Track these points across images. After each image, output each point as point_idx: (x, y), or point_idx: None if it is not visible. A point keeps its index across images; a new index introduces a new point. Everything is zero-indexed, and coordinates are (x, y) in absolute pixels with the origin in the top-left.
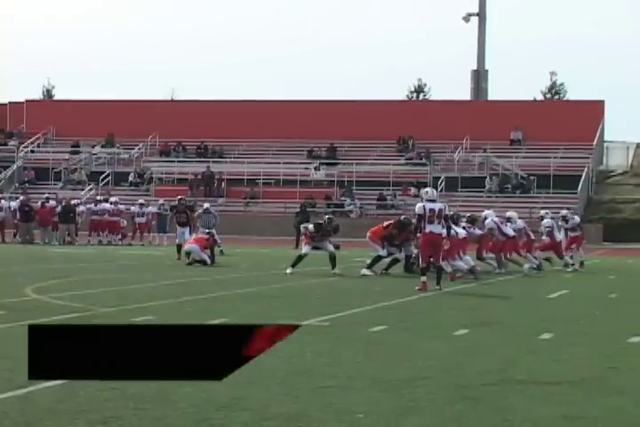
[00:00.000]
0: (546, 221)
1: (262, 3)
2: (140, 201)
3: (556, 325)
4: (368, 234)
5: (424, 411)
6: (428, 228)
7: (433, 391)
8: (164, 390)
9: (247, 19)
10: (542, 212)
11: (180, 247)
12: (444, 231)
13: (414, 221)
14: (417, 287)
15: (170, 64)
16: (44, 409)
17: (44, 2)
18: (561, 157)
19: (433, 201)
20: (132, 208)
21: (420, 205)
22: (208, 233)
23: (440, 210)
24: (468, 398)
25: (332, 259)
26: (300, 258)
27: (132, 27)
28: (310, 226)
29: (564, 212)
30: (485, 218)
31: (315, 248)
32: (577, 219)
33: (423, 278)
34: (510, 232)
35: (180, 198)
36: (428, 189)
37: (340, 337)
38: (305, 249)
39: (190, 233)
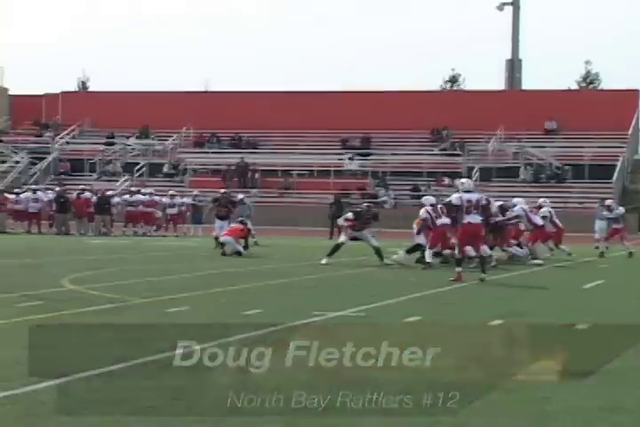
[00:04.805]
0: (543, 210)
1: None
2: (171, 192)
3: (591, 315)
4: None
5: (459, 402)
6: (467, 218)
7: (469, 382)
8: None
9: (280, 10)
10: (541, 200)
11: (218, 239)
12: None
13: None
14: (451, 278)
15: (204, 55)
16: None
17: None
18: (596, 147)
19: (469, 191)
20: (163, 199)
21: (456, 195)
22: (241, 222)
23: (477, 200)
24: (504, 389)
25: (378, 252)
26: (337, 247)
27: (166, 18)
28: (349, 214)
29: (609, 201)
30: (514, 206)
31: (354, 239)
32: (622, 209)
33: (458, 269)
34: (539, 221)
35: (224, 192)
36: (464, 179)
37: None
38: (342, 238)
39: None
